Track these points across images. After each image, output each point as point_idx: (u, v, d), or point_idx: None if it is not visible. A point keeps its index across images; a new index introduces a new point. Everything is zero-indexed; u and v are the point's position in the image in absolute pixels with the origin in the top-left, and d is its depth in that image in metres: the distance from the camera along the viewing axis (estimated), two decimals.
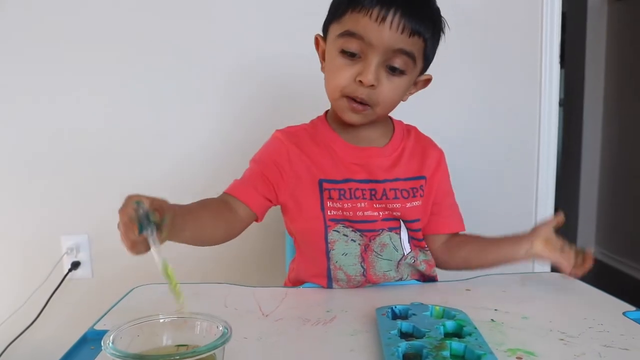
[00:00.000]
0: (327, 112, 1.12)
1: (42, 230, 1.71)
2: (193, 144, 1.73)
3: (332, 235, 1.03)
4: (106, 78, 1.67)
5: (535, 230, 1.04)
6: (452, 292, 0.99)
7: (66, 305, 1.73)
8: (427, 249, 1.10)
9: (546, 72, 1.79)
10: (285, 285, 1.13)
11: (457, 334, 0.70)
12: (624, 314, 0.85)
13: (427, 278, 1.11)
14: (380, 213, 1.03)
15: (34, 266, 1.71)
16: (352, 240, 1.03)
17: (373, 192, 1.02)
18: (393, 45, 0.90)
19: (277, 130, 1.10)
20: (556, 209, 1.91)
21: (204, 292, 0.98)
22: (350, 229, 1.03)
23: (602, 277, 3.51)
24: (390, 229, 1.04)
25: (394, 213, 1.04)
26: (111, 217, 1.69)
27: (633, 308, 0.87)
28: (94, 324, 0.81)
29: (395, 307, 0.76)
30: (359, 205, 1.02)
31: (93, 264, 1.74)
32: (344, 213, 1.02)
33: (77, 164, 1.68)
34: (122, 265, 1.71)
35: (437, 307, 0.75)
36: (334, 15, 0.96)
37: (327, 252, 1.03)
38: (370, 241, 1.04)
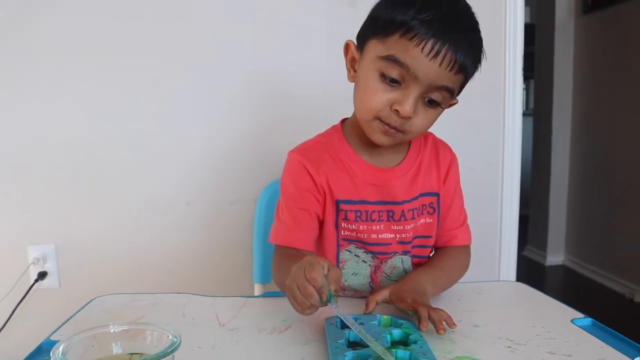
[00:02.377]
0: (342, 121, 1.08)
1: (8, 240, 1.69)
2: (168, 156, 1.73)
3: (344, 255, 1.02)
4: (88, 85, 1.66)
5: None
6: None
7: (32, 316, 1.72)
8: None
9: (510, 84, 1.84)
10: None
11: (404, 342, 0.72)
12: (572, 321, 0.88)
13: None
14: (397, 235, 1.01)
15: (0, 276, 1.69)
16: (363, 261, 1.02)
17: (391, 214, 1.00)
18: (438, 81, 0.85)
19: (291, 152, 1.04)
20: (521, 217, 1.95)
21: (164, 302, 0.98)
22: (363, 250, 1.02)
23: (569, 283, 3.59)
24: (404, 252, 1.03)
25: (410, 234, 1.02)
26: (79, 226, 1.70)
27: (582, 315, 0.90)
28: (50, 335, 0.81)
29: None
30: (374, 227, 1.00)
31: (60, 274, 1.73)
32: (358, 235, 1.01)
33: (45, 172, 1.67)
34: (90, 276, 1.72)
35: (385, 317, 0.77)
36: (377, 31, 0.88)
37: None
38: (381, 263, 1.03)
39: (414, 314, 0.80)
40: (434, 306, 0.84)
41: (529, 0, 1.85)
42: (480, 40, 0.91)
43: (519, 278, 1.95)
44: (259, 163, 1.71)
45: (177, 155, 1.72)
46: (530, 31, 3.60)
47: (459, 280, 1.07)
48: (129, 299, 0.99)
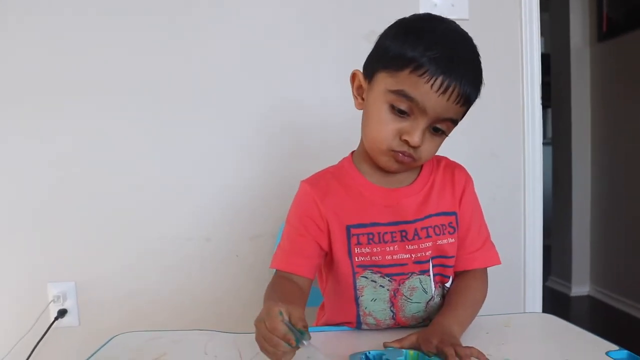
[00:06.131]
0: (353, 152, 1.10)
1: (27, 277, 1.68)
2: (189, 192, 1.73)
3: (361, 282, 1.01)
4: (105, 126, 1.67)
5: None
6: None
7: (52, 355, 1.69)
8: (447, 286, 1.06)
9: (528, 114, 1.82)
10: None
11: None
12: (607, 353, 0.85)
13: None
14: (413, 255, 1.00)
15: (19, 315, 1.68)
16: (380, 286, 1.01)
17: (404, 234, 1.00)
18: (445, 114, 0.90)
19: (302, 182, 1.07)
20: (544, 248, 1.91)
21: (185, 339, 0.97)
22: (379, 275, 1.01)
23: (596, 314, 3.51)
24: (422, 272, 1.02)
25: (427, 253, 1.01)
26: (99, 263, 1.70)
27: (616, 347, 0.87)
28: None
29: (369, 353, 0.76)
30: (388, 249, 1.00)
31: (80, 311, 1.71)
32: (373, 258, 1.00)
33: (64, 209, 1.67)
34: (109, 313, 1.70)
35: (412, 352, 0.75)
36: (386, 64, 0.92)
37: (356, 299, 1.02)
38: (399, 285, 1.01)
39: (442, 356, 0.77)
40: (463, 344, 0.81)
41: (544, 30, 1.85)
42: (481, 69, 0.94)
43: (544, 309, 1.90)
44: (277, 197, 1.70)
45: (195, 192, 1.72)
46: (546, 61, 3.59)
47: (486, 313, 1.04)
48: (150, 337, 0.98)
